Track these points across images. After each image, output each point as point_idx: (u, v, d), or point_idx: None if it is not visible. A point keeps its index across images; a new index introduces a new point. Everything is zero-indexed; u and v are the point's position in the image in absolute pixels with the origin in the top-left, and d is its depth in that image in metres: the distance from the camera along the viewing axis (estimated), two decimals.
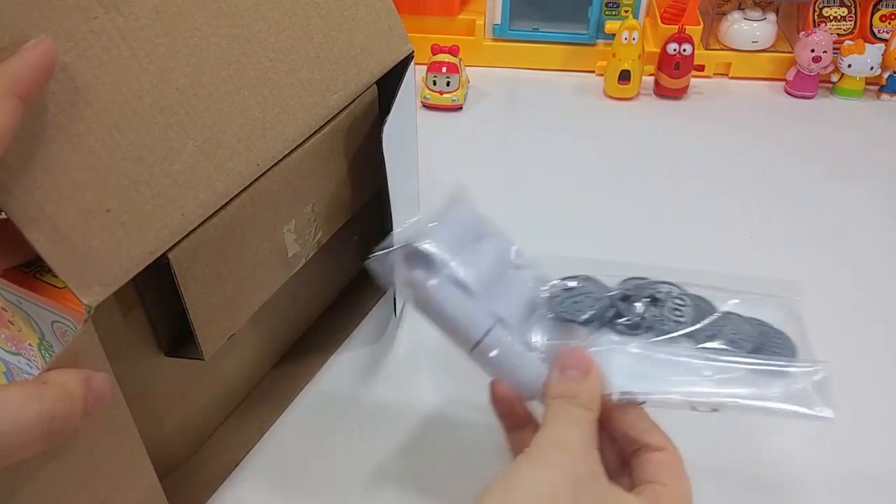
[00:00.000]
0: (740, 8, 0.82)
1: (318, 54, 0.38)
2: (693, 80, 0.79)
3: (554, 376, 0.34)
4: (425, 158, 0.69)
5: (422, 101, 0.75)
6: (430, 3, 0.80)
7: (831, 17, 0.80)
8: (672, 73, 0.77)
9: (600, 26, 0.80)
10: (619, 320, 0.35)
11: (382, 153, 0.41)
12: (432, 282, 0.35)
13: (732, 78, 0.82)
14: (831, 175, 0.68)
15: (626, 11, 0.79)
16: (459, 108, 0.75)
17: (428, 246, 0.36)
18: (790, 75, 0.80)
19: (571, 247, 0.59)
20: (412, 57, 0.45)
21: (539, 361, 0.35)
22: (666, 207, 0.60)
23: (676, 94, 0.79)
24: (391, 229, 0.42)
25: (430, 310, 0.35)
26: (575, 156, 0.70)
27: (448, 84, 0.74)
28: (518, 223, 0.61)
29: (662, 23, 0.80)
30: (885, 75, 0.78)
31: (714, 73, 0.83)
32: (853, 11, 0.80)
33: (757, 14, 0.80)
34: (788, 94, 0.80)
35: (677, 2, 0.81)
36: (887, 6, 0.80)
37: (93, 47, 0.28)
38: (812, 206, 0.64)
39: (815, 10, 0.80)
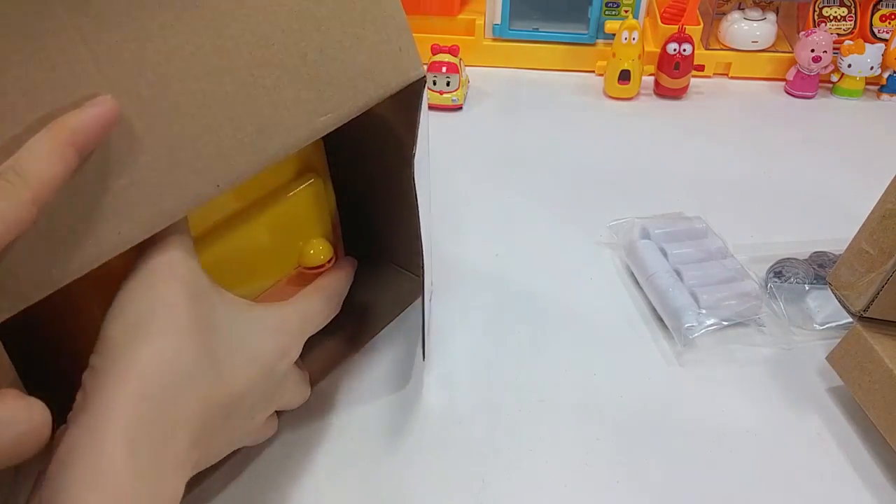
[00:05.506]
0: (740, 8, 0.82)
1: (309, 73, 0.36)
2: (693, 80, 0.79)
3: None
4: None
5: None
6: (430, 3, 0.80)
7: (831, 17, 0.80)
8: (672, 73, 0.77)
9: (600, 26, 0.80)
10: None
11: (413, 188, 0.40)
12: (644, 241, 0.56)
13: (732, 78, 0.82)
14: (831, 175, 0.68)
15: (626, 11, 0.79)
16: (459, 108, 0.75)
17: (649, 222, 0.57)
18: (790, 75, 0.80)
19: (571, 245, 0.59)
20: (424, 83, 0.42)
21: (687, 294, 0.51)
22: (666, 207, 0.60)
23: (676, 94, 0.79)
24: (420, 263, 0.43)
25: (635, 255, 0.55)
26: (575, 156, 0.70)
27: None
28: (518, 223, 0.61)
29: (662, 23, 0.80)
30: (885, 75, 0.78)
31: (714, 73, 0.83)
32: (853, 11, 0.80)
33: (757, 14, 0.80)
34: (788, 94, 0.80)
35: (677, 2, 0.81)
36: (887, 6, 0.80)
37: (47, 47, 0.27)
38: (812, 206, 0.64)
39: (815, 10, 0.80)
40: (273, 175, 0.41)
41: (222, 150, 0.33)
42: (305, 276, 0.44)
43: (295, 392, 0.40)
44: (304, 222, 0.44)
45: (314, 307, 0.40)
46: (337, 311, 0.42)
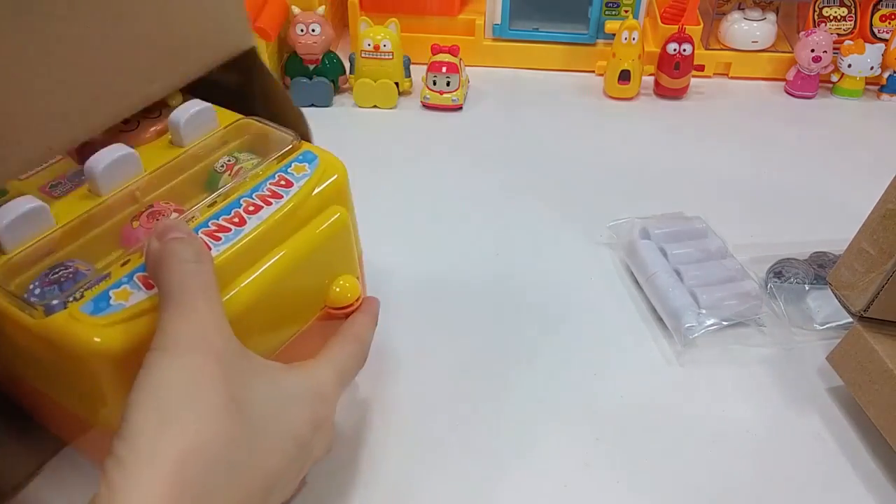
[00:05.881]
0: (740, 8, 0.82)
1: (143, 40, 0.37)
2: (693, 80, 0.79)
3: (153, 243, 0.32)
4: (425, 158, 0.69)
5: (422, 101, 0.75)
6: (430, 3, 0.80)
7: (831, 17, 0.80)
8: (672, 73, 0.77)
9: (600, 26, 0.80)
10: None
11: None
12: (644, 241, 0.56)
13: (732, 78, 0.82)
14: (831, 175, 0.68)
15: (626, 11, 0.79)
16: (459, 108, 0.75)
17: (649, 222, 0.57)
18: (790, 75, 0.80)
19: (571, 245, 0.59)
20: (255, 53, 0.44)
21: (687, 295, 0.51)
22: (666, 207, 0.60)
23: (676, 94, 0.79)
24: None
25: (635, 255, 0.55)
26: (575, 156, 0.70)
27: (448, 84, 0.74)
28: (518, 223, 0.61)
29: (662, 23, 0.80)
30: (885, 75, 0.78)
31: (714, 73, 0.83)
32: (853, 11, 0.80)
33: (757, 14, 0.80)
34: (788, 93, 0.80)
35: (677, 2, 0.81)
36: (887, 6, 0.80)
37: None
38: (812, 206, 0.64)
39: (815, 10, 0.80)
40: (300, 210, 0.39)
41: (56, 114, 0.34)
42: (332, 315, 0.42)
43: (327, 445, 0.37)
44: (332, 259, 0.41)
45: (350, 361, 0.38)
46: (366, 361, 0.40)
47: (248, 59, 0.44)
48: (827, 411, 0.47)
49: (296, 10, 0.72)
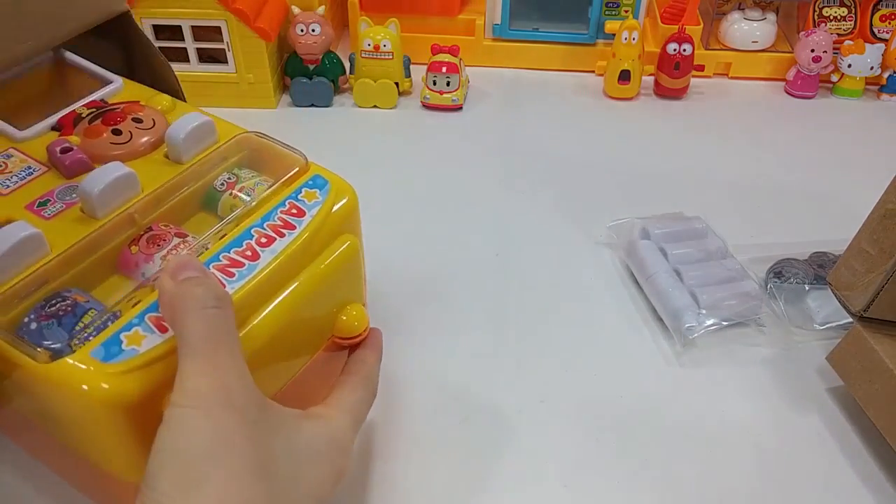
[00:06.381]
0: (740, 8, 0.82)
1: (7, 1, 0.37)
2: (693, 80, 0.79)
3: (167, 282, 0.30)
4: (426, 158, 0.69)
5: (422, 101, 0.75)
6: (430, 3, 0.80)
7: (831, 17, 0.80)
8: (672, 73, 0.77)
9: (600, 26, 0.80)
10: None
11: None
12: (644, 241, 0.56)
13: (732, 78, 0.82)
14: (831, 175, 0.68)
15: (626, 11, 0.79)
16: (459, 108, 0.75)
17: (649, 222, 0.57)
18: (790, 75, 0.80)
19: (571, 246, 0.59)
20: (130, 17, 0.45)
21: (687, 295, 0.51)
22: (666, 207, 0.60)
23: (676, 94, 0.79)
24: None
25: (635, 255, 0.55)
26: (575, 156, 0.70)
27: (448, 84, 0.74)
28: (518, 223, 0.61)
29: (662, 23, 0.80)
30: (885, 75, 0.78)
31: (714, 73, 0.83)
32: (853, 11, 0.80)
33: (757, 14, 0.80)
34: (788, 94, 0.80)
35: (677, 2, 0.81)
36: (887, 6, 0.80)
37: None
38: (812, 206, 0.64)
39: (815, 10, 0.80)
40: (313, 242, 0.37)
41: None
42: (339, 345, 0.41)
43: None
44: (341, 289, 0.40)
45: (362, 406, 0.37)
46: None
47: (123, 24, 0.44)
48: (827, 411, 0.47)
49: (296, 10, 0.72)
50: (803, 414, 0.47)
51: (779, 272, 0.55)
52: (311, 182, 0.40)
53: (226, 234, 0.36)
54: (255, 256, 0.35)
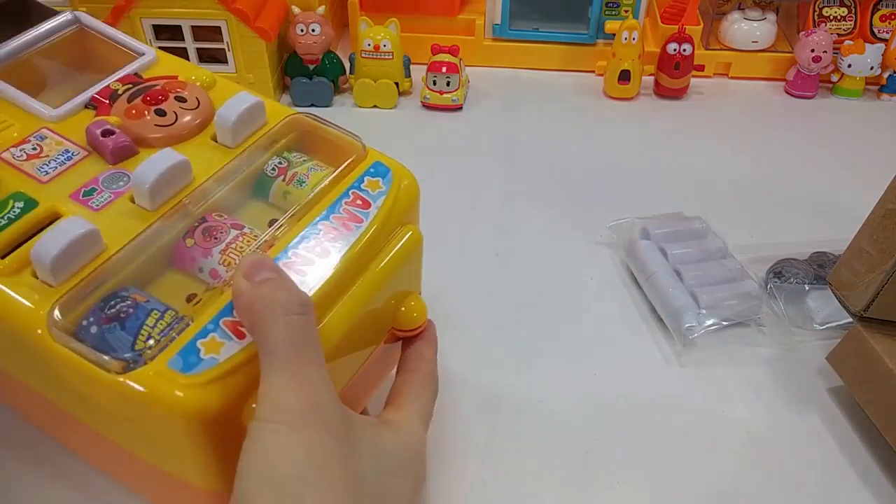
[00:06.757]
0: (740, 8, 0.82)
1: None
2: (693, 80, 0.79)
3: (242, 283, 0.28)
4: (426, 158, 0.69)
5: (422, 101, 0.75)
6: (430, 3, 0.80)
7: (831, 17, 0.80)
8: (672, 73, 0.77)
9: (600, 26, 0.80)
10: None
11: None
12: (644, 241, 0.56)
13: (732, 78, 0.82)
14: (831, 175, 0.68)
15: (626, 11, 0.79)
16: (459, 108, 0.75)
17: (649, 223, 0.57)
18: (790, 75, 0.80)
19: (571, 246, 0.59)
20: None
21: (687, 295, 0.51)
22: (666, 207, 0.60)
23: (676, 94, 0.79)
24: None
25: (635, 255, 0.55)
26: (575, 156, 0.70)
27: (448, 84, 0.74)
28: (518, 223, 0.61)
29: (662, 23, 0.80)
30: (885, 75, 0.78)
31: (714, 73, 0.83)
32: (853, 11, 0.80)
33: (757, 14, 0.80)
34: (788, 94, 0.80)
35: (677, 2, 0.81)
36: (887, 6, 0.80)
37: None
38: (812, 206, 0.64)
39: (815, 10, 0.80)
40: (380, 234, 0.36)
41: None
42: (398, 337, 0.40)
43: None
44: (404, 280, 0.39)
45: (431, 405, 0.36)
46: None
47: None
48: (827, 411, 0.47)
49: (296, 10, 0.72)
50: (803, 414, 0.47)
51: (779, 272, 0.55)
52: (372, 170, 0.38)
53: (282, 225, 0.34)
54: (324, 253, 0.33)
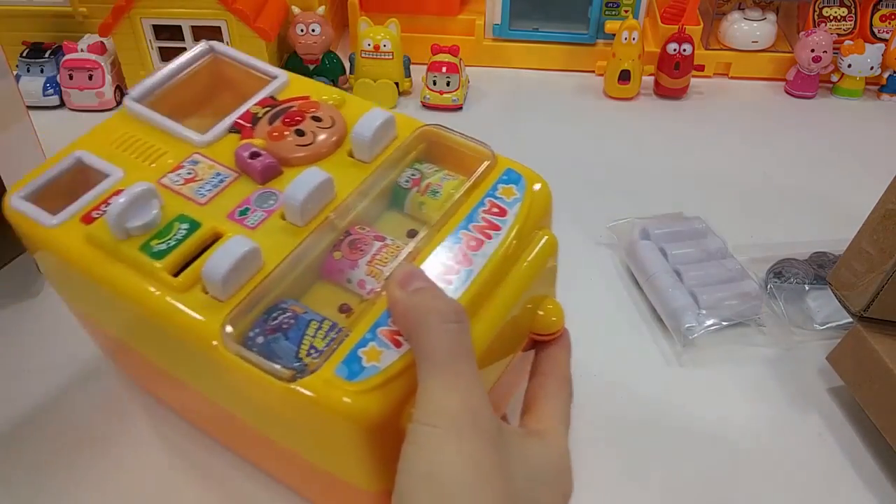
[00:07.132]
0: (740, 8, 0.82)
1: None
2: (693, 80, 0.79)
3: (396, 292, 0.29)
4: None
5: (422, 101, 0.75)
6: (430, 3, 0.80)
7: (831, 17, 0.80)
8: (672, 73, 0.77)
9: (600, 26, 0.80)
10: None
11: None
12: (644, 241, 0.56)
13: (732, 78, 0.82)
14: (831, 175, 0.68)
15: (626, 11, 0.79)
16: (459, 108, 0.75)
17: (649, 223, 0.57)
18: (790, 75, 0.80)
19: (571, 245, 0.59)
20: None
21: (687, 295, 0.51)
22: (666, 207, 0.60)
23: (676, 94, 0.79)
24: None
25: (635, 255, 0.55)
26: (575, 156, 0.70)
27: (448, 84, 0.74)
28: None
29: (662, 23, 0.80)
30: (885, 75, 0.78)
31: (714, 73, 0.83)
32: (853, 11, 0.80)
33: (757, 14, 0.80)
34: (788, 94, 0.80)
35: (677, 2, 0.81)
36: (887, 6, 0.80)
37: None
38: (812, 206, 0.64)
39: (815, 10, 0.80)
40: (518, 241, 0.36)
41: None
42: (536, 342, 0.39)
43: None
44: (541, 286, 0.39)
45: (568, 409, 0.35)
46: None
47: None
48: (827, 411, 0.47)
49: (296, 10, 0.72)
50: (803, 414, 0.47)
51: (779, 272, 0.55)
52: (504, 177, 0.39)
53: (423, 236, 0.35)
54: (468, 262, 0.34)
